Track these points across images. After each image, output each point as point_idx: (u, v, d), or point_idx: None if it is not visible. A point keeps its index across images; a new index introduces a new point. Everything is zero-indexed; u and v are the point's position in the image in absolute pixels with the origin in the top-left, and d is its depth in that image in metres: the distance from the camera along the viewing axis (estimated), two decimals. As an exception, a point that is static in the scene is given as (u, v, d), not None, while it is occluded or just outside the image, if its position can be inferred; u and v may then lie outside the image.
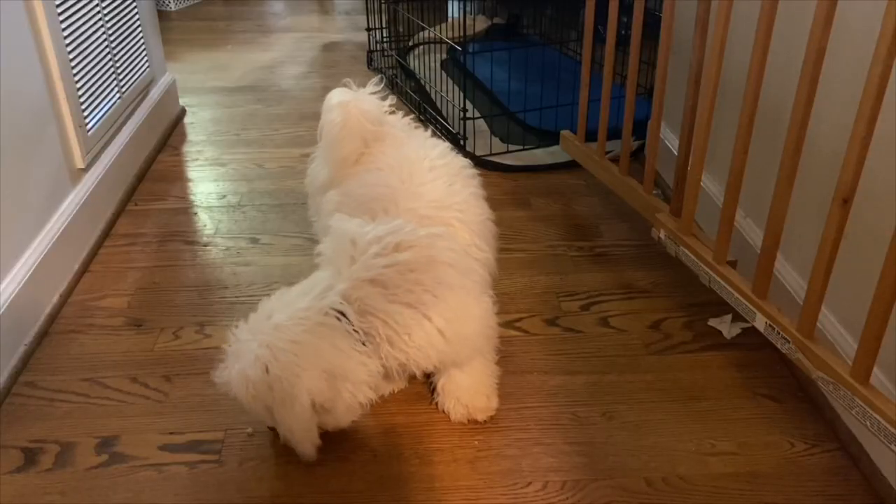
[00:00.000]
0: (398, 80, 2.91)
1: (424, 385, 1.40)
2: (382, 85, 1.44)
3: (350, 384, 1.14)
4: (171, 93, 2.58)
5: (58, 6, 1.69)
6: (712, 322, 1.59)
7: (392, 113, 1.49)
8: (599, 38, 1.89)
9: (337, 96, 1.40)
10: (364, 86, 1.46)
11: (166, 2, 4.11)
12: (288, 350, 1.10)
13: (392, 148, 1.40)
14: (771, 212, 1.22)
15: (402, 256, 1.14)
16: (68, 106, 1.72)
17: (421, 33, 3.13)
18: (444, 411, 1.34)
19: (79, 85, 1.79)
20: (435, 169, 1.34)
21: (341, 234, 1.18)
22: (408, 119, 1.51)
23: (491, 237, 1.36)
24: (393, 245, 1.15)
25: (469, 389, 1.31)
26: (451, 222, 1.27)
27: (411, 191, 1.29)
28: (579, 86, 1.87)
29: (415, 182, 1.30)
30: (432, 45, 3.09)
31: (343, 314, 1.13)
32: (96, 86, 1.90)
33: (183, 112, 2.71)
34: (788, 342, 1.21)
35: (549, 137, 2.36)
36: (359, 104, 1.37)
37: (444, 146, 1.43)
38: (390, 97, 1.45)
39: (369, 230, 1.17)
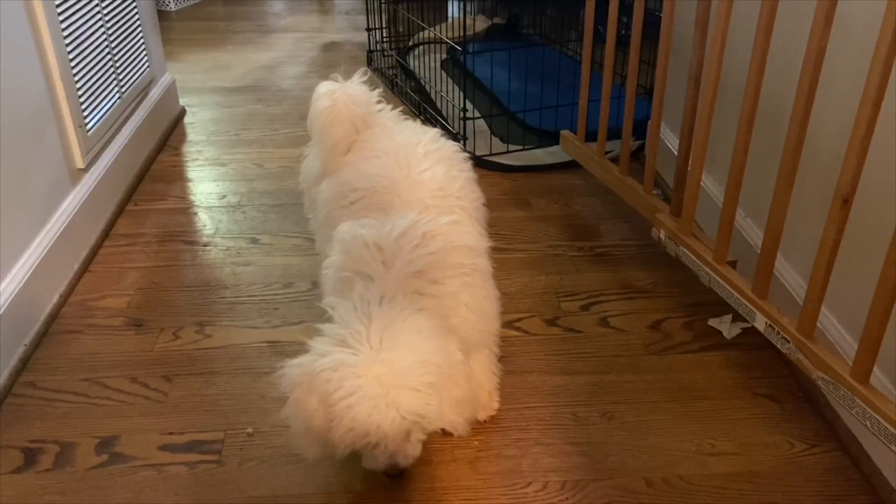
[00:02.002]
0: (398, 80, 2.91)
1: (424, 385, 1.40)
2: (368, 76, 1.45)
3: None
4: (171, 93, 2.58)
5: (58, 6, 1.69)
6: (712, 322, 1.59)
7: (381, 103, 1.49)
8: (599, 38, 1.89)
9: (324, 86, 1.41)
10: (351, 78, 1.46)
11: (166, 2, 4.11)
12: (440, 345, 1.05)
13: (384, 134, 1.41)
14: (771, 212, 1.22)
15: (436, 244, 1.15)
16: (68, 106, 1.72)
17: (421, 33, 3.13)
18: (444, 410, 1.34)
19: (79, 85, 1.79)
20: (430, 154, 1.34)
21: (361, 243, 1.15)
22: (396, 111, 1.51)
23: (484, 221, 1.37)
24: (420, 236, 1.15)
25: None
26: (454, 210, 1.27)
27: (412, 179, 1.29)
28: (579, 86, 1.87)
29: (413, 170, 1.30)
30: (432, 45, 3.09)
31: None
32: (96, 86, 1.90)
33: (183, 112, 2.71)
34: (788, 342, 1.21)
35: (549, 137, 2.36)
36: (345, 90, 1.38)
37: (434, 131, 1.43)
38: (377, 89, 1.45)
39: (390, 230, 1.16)
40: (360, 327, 1.05)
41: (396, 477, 1.13)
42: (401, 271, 1.12)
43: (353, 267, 1.15)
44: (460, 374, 1.08)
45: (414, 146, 1.35)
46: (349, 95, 1.37)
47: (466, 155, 1.42)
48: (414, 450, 1.07)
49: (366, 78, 1.43)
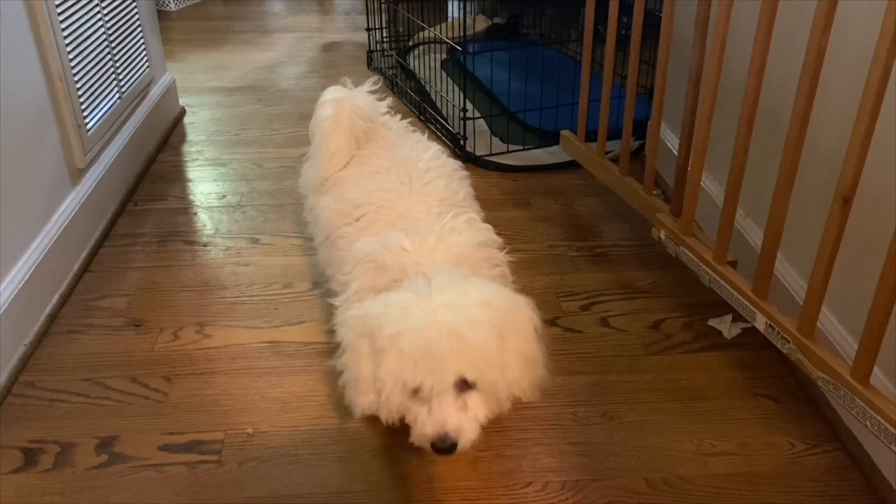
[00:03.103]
0: (398, 80, 2.91)
1: (424, 385, 1.40)
2: (380, 85, 1.43)
3: None
4: (170, 93, 2.58)
5: (58, 6, 1.69)
6: (712, 322, 1.59)
7: (389, 114, 1.48)
8: (599, 38, 1.89)
9: (331, 93, 1.39)
10: (361, 85, 1.46)
11: (166, 2, 4.11)
12: (506, 294, 1.07)
13: (385, 150, 1.40)
14: (771, 212, 1.22)
15: (467, 235, 1.17)
16: (68, 106, 1.72)
17: (421, 33, 3.13)
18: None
19: (79, 85, 1.79)
20: (430, 170, 1.34)
21: (398, 250, 1.15)
22: (405, 123, 1.51)
23: None
24: (448, 235, 1.17)
25: None
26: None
27: (416, 192, 1.29)
28: (579, 86, 1.87)
29: (416, 183, 1.30)
30: (432, 45, 3.09)
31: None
32: (96, 86, 1.90)
33: (183, 112, 2.71)
34: (788, 342, 1.21)
35: (549, 137, 2.36)
36: (352, 101, 1.37)
37: (436, 148, 1.43)
38: (388, 98, 1.45)
39: (420, 231, 1.16)
40: (420, 283, 1.03)
41: (446, 451, 1.01)
42: (445, 263, 1.11)
43: (393, 275, 1.12)
44: (528, 328, 1.05)
45: (415, 162, 1.35)
46: (355, 107, 1.36)
47: (466, 173, 1.43)
48: (470, 425, 1.01)
49: (376, 87, 1.42)
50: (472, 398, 1.01)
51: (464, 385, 1.00)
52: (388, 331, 0.98)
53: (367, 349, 1.02)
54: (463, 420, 1.00)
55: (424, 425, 1.00)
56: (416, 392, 0.99)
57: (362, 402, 1.04)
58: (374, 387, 1.01)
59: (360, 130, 1.38)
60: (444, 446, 1.00)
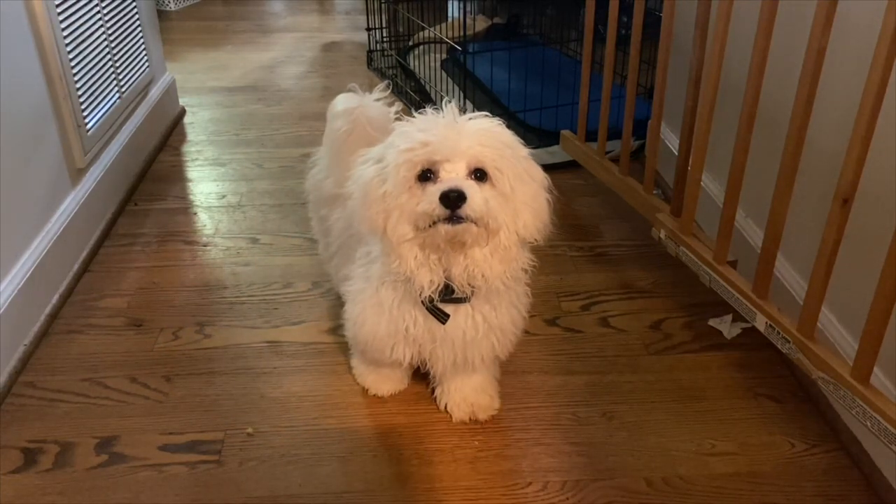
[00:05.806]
0: (398, 80, 2.91)
1: (424, 385, 1.40)
2: (389, 91, 1.42)
3: None
4: (170, 93, 2.58)
5: (58, 6, 1.69)
6: (712, 322, 1.59)
7: (399, 120, 1.47)
8: (599, 38, 1.89)
9: (342, 103, 1.37)
10: (369, 89, 1.45)
11: (166, 2, 4.11)
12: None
13: None
14: (771, 212, 1.22)
15: None
16: (68, 106, 1.72)
17: (421, 33, 3.13)
18: (446, 410, 1.34)
19: (79, 85, 1.79)
20: None
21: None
22: None
23: None
24: None
25: (476, 388, 1.32)
26: None
27: None
28: (579, 86, 1.87)
29: None
30: (432, 45, 3.09)
31: None
32: (96, 86, 1.90)
33: (183, 112, 2.71)
34: (789, 342, 1.21)
35: (549, 137, 2.36)
36: (365, 111, 1.36)
37: None
38: (397, 103, 1.44)
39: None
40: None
41: (454, 202, 0.98)
42: None
43: None
44: (539, 177, 1.10)
45: None
46: (368, 118, 1.35)
47: None
48: (478, 196, 1.00)
49: (386, 94, 1.40)
50: (486, 189, 1.03)
51: (478, 175, 1.03)
52: (398, 140, 1.05)
53: (374, 171, 1.06)
54: (475, 192, 1.00)
55: (434, 192, 0.99)
56: (425, 179, 1.02)
57: (371, 215, 1.06)
58: (383, 204, 1.04)
59: (375, 141, 1.37)
60: (453, 195, 0.98)
